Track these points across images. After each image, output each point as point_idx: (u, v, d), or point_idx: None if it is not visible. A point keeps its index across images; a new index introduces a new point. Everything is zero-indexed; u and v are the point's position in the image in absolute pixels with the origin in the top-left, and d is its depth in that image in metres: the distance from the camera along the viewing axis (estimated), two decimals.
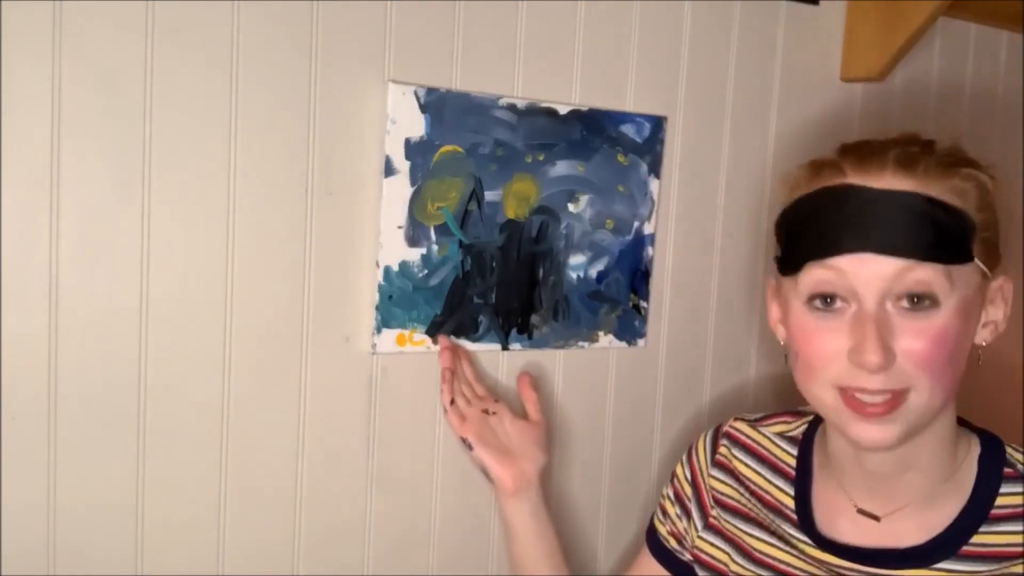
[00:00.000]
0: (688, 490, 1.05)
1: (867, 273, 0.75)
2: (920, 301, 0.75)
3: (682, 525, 1.05)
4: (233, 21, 1.00)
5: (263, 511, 1.08)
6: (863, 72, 1.38)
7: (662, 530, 1.08)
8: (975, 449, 0.85)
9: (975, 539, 0.81)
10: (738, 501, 0.99)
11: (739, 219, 1.35)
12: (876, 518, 0.86)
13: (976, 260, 0.77)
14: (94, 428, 0.99)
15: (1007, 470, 0.83)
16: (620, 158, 1.23)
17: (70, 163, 0.95)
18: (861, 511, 0.88)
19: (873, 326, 0.74)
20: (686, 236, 1.31)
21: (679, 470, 1.07)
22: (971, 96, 1.56)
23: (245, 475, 1.07)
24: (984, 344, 0.82)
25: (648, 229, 1.26)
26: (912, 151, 0.79)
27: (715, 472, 1.02)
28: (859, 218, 0.76)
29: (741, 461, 1.00)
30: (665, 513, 1.08)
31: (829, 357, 0.78)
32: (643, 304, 1.28)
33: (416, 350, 1.13)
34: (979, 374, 0.82)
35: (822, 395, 0.81)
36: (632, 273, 1.26)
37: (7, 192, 0.92)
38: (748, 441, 1.01)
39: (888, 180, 0.77)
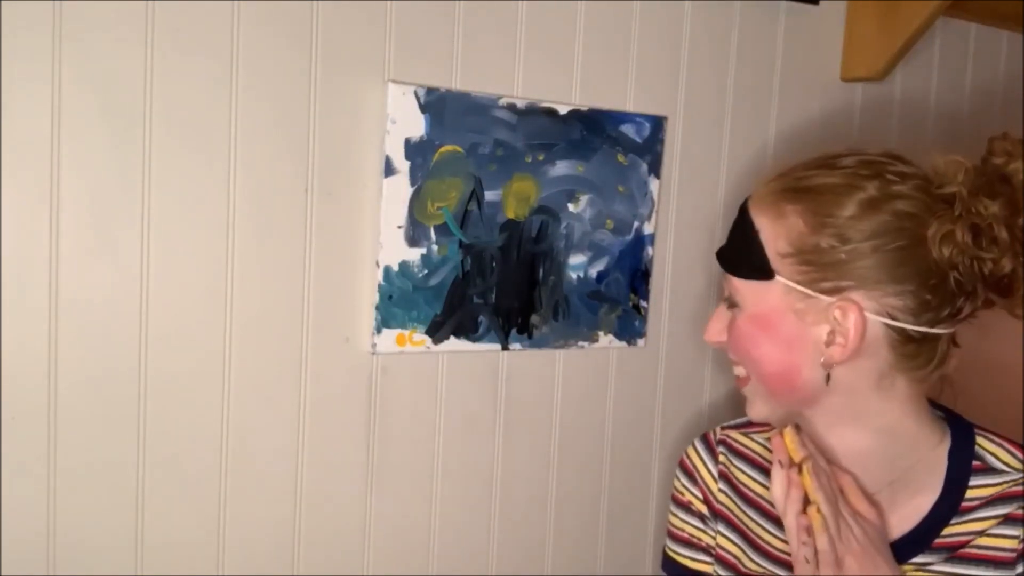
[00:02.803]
0: (706, 510, 1.01)
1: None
2: (732, 305, 0.89)
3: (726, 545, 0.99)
4: (233, 21, 1.00)
5: (263, 511, 1.08)
6: (863, 72, 1.38)
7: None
8: (946, 442, 0.87)
9: (947, 531, 0.84)
10: (733, 513, 0.98)
11: None
12: None
13: (783, 279, 0.83)
14: (94, 428, 0.99)
15: (976, 463, 0.86)
16: (620, 158, 1.23)
17: (70, 163, 0.95)
18: None
19: (715, 310, 0.92)
20: (686, 236, 1.31)
21: (688, 496, 1.02)
22: (971, 96, 1.56)
23: (245, 475, 1.07)
24: (833, 361, 0.81)
25: (648, 229, 1.26)
26: (783, 171, 0.88)
27: (722, 485, 1.00)
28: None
29: (740, 470, 0.99)
30: (700, 549, 1.00)
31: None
32: (643, 304, 1.28)
33: (416, 350, 1.13)
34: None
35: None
36: (632, 273, 1.26)
37: (7, 192, 0.92)
38: (745, 450, 1.00)
39: (749, 199, 0.89)
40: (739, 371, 0.91)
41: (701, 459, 1.02)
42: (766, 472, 0.96)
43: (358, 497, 1.14)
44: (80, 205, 0.96)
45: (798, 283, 0.82)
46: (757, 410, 0.91)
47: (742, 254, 0.87)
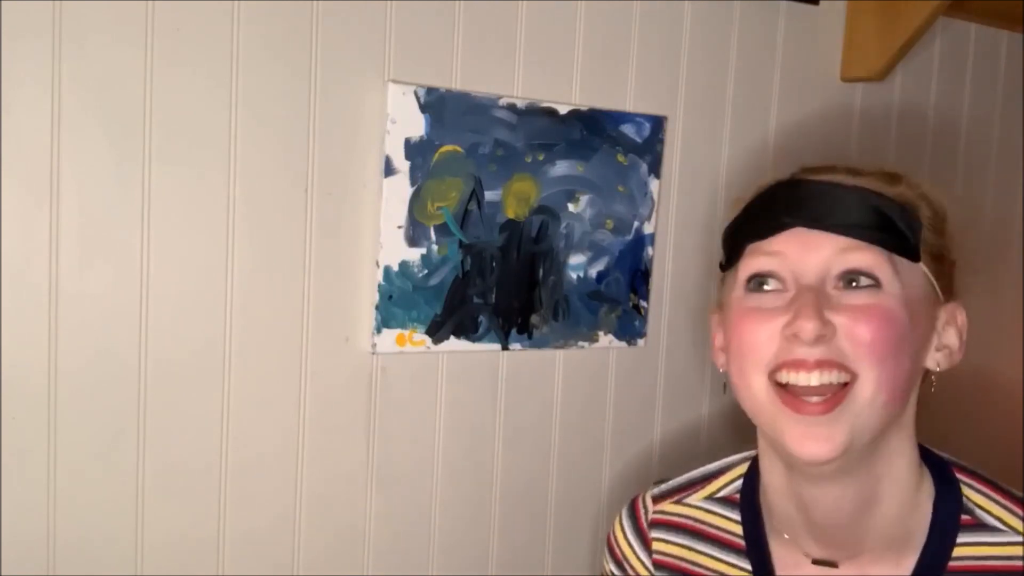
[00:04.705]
0: None
1: (806, 251, 0.71)
2: (860, 281, 0.70)
3: None
4: (233, 21, 1.00)
5: (263, 511, 1.08)
6: (863, 72, 1.38)
7: None
8: (930, 490, 0.77)
9: None
10: None
11: None
12: (834, 565, 0.77)
13: (923, 266, 0.73)
14: (94, 428, 0.99)
15: (964, 517, 0.75)
16: (620, 158, 1.23)
17: (70, 163, 0.95)
18: (816, 561, 0.78)
19: (811, 295, 0.69)
20: (686, 236, 1.31)
21: None
22: (971, 96, 1.56)
23: (245, 474, 1.07)
24: (938, 369, 0.75)
25: (648, 229, 1.26)
26: (861, 168, 0.77)
27: (661, 575, 0.87)
28: (803, 201, 0.73)
29: (682, 546, 0.86)
30: None
31: (764, 341, 0.71)
32: (643, 304, 1.28)
33: (416, 350, 1.13)
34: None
35: (757, 390, 0.72)
36: (632, 273, 1.26)
37: (7, 192, 0.92)
38: (684, 521, 0.86)
39: (835, 178, 0.74)
40: (832, 378, 0.69)
41: (631, 547, 0.90)
42: (713, 541, 0.85)
43: (358, 497, 1.14)
44: (80, 205, 0.96)
45: (936, 280, 0.73)
46: (848, 437, 0.69)
47: (892, 223, 0.71)
